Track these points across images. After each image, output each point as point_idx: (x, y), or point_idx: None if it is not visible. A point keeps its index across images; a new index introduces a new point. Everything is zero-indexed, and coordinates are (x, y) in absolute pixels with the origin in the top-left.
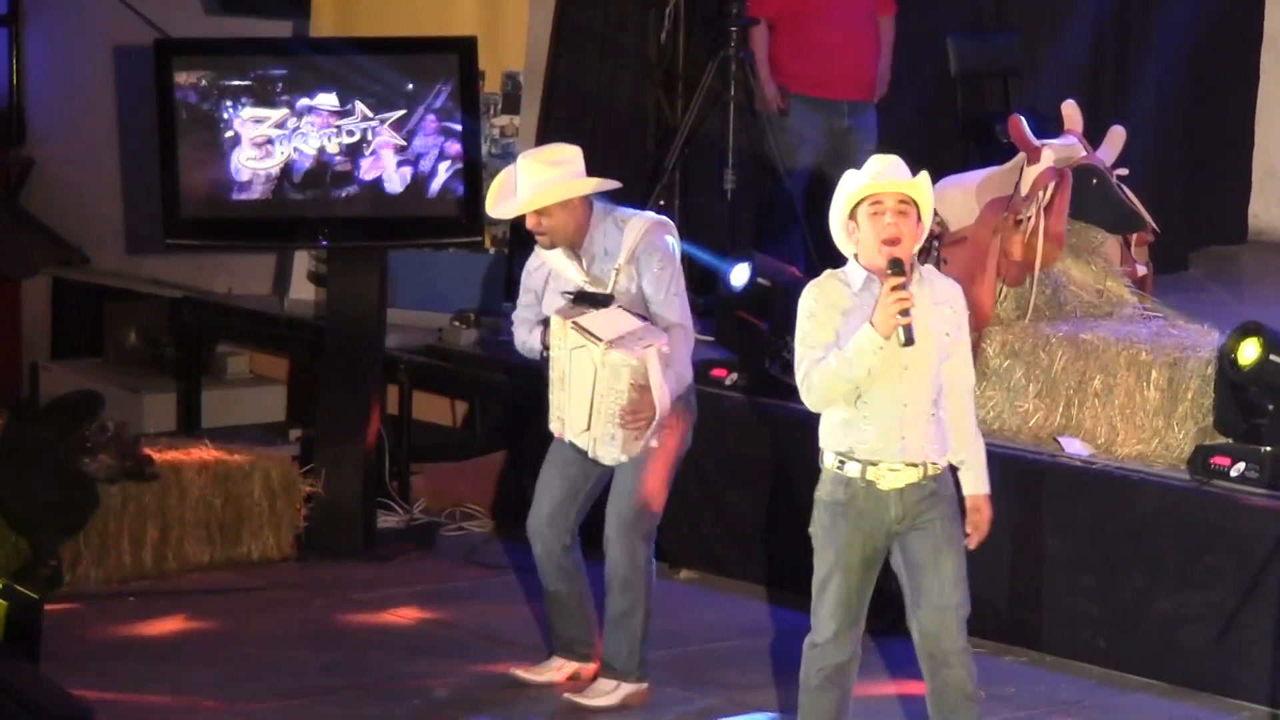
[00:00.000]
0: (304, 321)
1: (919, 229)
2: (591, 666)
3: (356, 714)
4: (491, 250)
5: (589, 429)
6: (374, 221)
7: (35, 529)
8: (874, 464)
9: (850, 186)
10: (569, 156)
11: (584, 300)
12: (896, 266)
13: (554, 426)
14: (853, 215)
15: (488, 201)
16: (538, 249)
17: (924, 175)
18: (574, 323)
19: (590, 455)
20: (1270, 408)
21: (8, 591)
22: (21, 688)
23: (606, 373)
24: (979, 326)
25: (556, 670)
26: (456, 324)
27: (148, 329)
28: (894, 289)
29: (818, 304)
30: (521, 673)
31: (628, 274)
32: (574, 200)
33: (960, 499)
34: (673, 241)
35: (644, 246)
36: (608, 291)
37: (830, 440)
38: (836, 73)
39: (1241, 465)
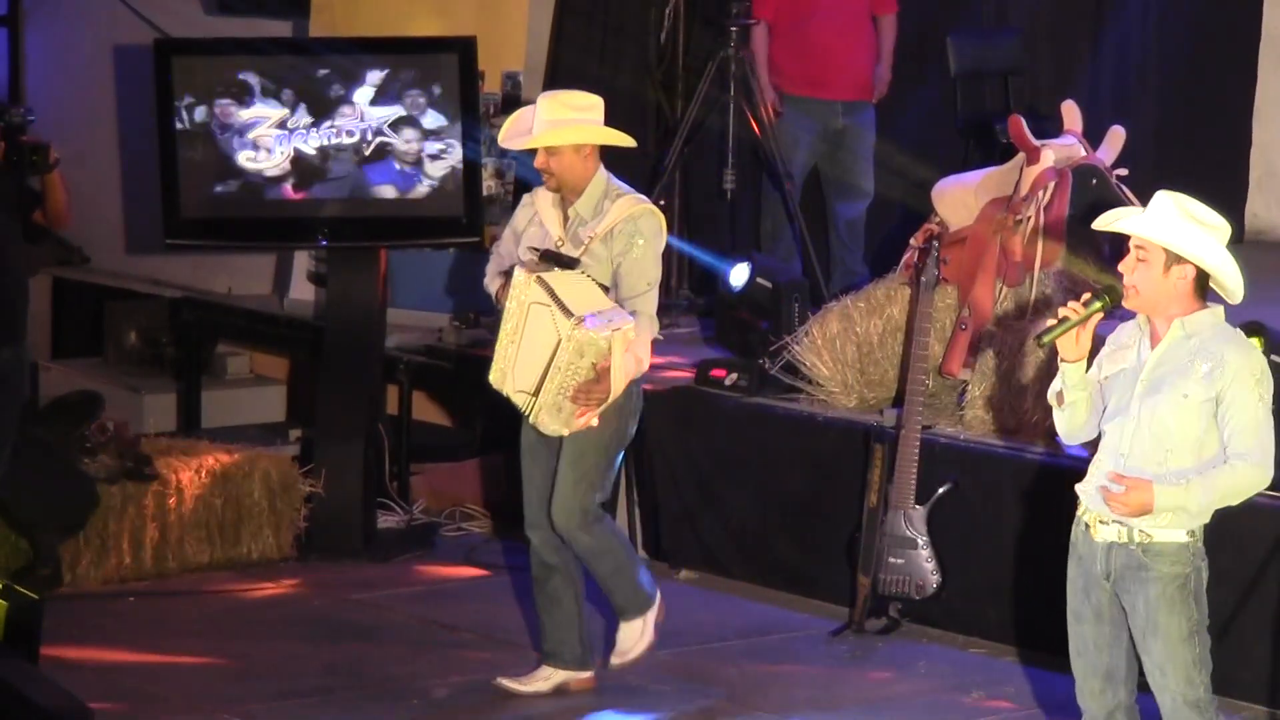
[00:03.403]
0: (304, 321)
1: (1166, 274)
2: (582, 676)
3: (356, 714)
4: (491, 250)
5: (535, 394)
6: (374, 221)
7: (35, 529)
8: (1090, 509)
9: (1097, 226)
10: (590, 104)
11: (551, 260)
12: (1103, 290)
13: (494, 378)
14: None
15: (501, 133)
16: (536, 189)
17: (1161, 222)
18: (548, 289)
19: (529, 419)
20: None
21: (8, 591)
22: (21, 688)
23: (570, 348)
24: (979, 326)
25: (544, 680)
26: (456, 324)
27: (148, 329)
28: (1078, 301)
29: (1107, 344)
30: (508, 683)
31: (600, 248)
32: (586, 148)
33: (1197, 584)
34: (660, 232)
35: (626, 229)
36: (576, 256)
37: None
38: (830, 73)
39: None
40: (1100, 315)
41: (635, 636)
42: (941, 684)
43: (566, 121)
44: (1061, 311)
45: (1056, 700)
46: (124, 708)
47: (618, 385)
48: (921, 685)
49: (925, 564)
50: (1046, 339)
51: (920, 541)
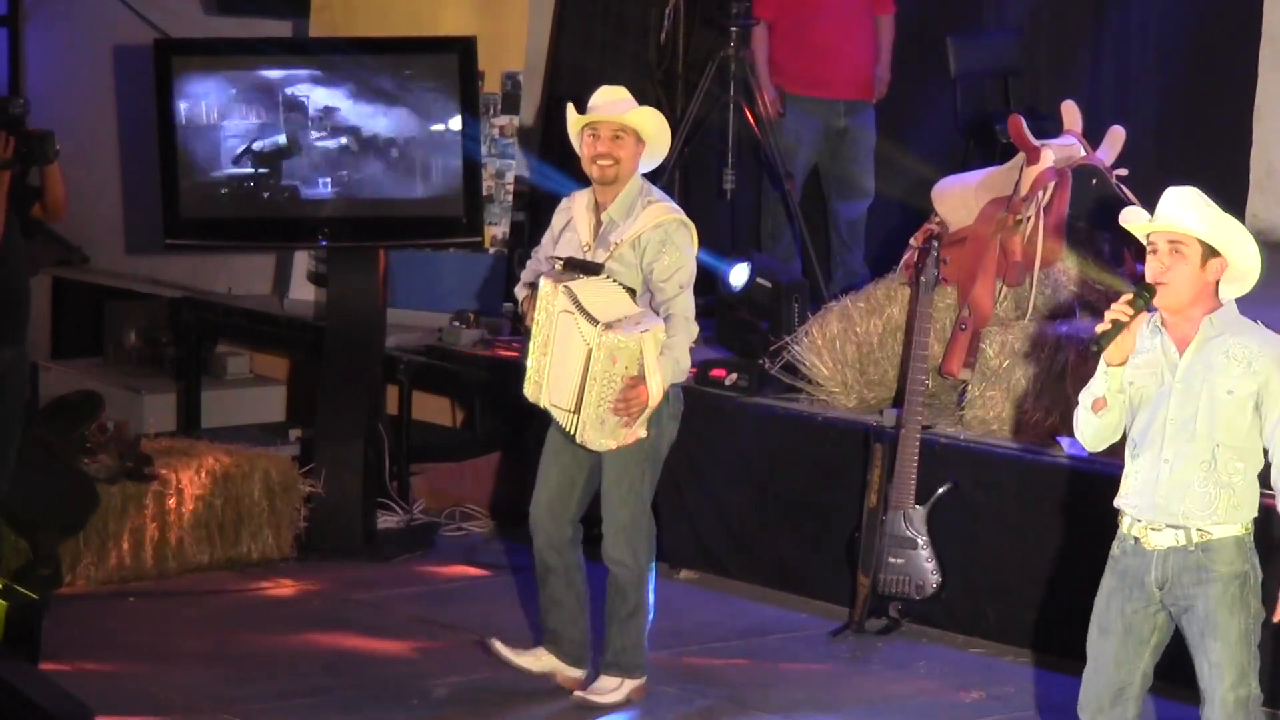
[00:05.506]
0: (304, 321)
1: (1204, 268)
2: (571, 674)
3: (356, 714)
4: (491, 250)
5: (576, 411)
6: (374, 221)
7: (35, 529)
8: (1139, 520)
9: (1126, 225)
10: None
11: (574, 267)
12: (1141, 288)
13: (528, 390)
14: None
15: (595, 99)
16: (573, 194)
17: (1196, 214)
18: (573, 297)
19: (576, 438)
20: None
21: (8, 591)
22: (21, 688)
23: (602, 355)
24: (979, 326)
25: (536, 659)
26: (456, 324)
27: (148, 329)
28: (1121, 302)
29: None
30: (501, 647)
31: (629, 252)
32: (640, 148)
33: (1255, 580)
34: (689, 242)
35: (655, 236)
36: (603, 260)
37: (1119, 493)
38: (832, 72)
39: None
40: (1145, 314)
41: (610, 689)
42: (941, 684)
43: (649, 108)
44: (1109, 315)
45: (1058, 701)
46: (124, 708)
47: (656, 389)
48: (921, 685)
49: (925, 564)
50: (1105, 343)
51: (920, 541)
